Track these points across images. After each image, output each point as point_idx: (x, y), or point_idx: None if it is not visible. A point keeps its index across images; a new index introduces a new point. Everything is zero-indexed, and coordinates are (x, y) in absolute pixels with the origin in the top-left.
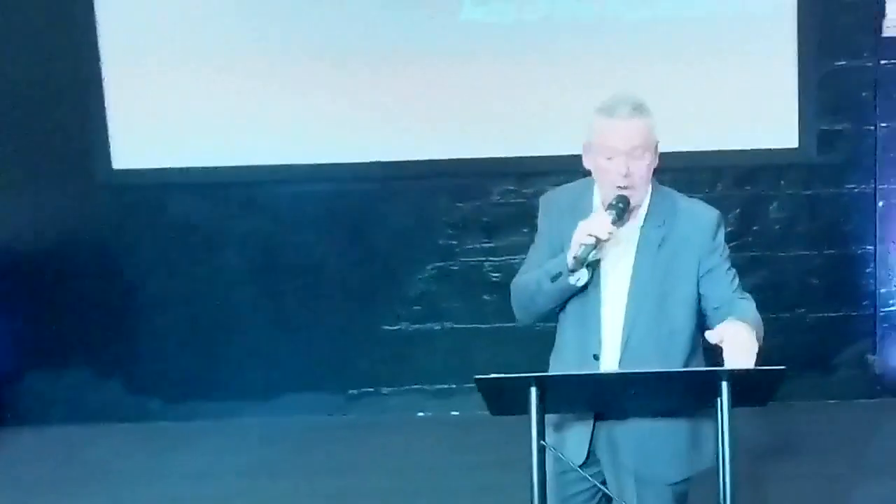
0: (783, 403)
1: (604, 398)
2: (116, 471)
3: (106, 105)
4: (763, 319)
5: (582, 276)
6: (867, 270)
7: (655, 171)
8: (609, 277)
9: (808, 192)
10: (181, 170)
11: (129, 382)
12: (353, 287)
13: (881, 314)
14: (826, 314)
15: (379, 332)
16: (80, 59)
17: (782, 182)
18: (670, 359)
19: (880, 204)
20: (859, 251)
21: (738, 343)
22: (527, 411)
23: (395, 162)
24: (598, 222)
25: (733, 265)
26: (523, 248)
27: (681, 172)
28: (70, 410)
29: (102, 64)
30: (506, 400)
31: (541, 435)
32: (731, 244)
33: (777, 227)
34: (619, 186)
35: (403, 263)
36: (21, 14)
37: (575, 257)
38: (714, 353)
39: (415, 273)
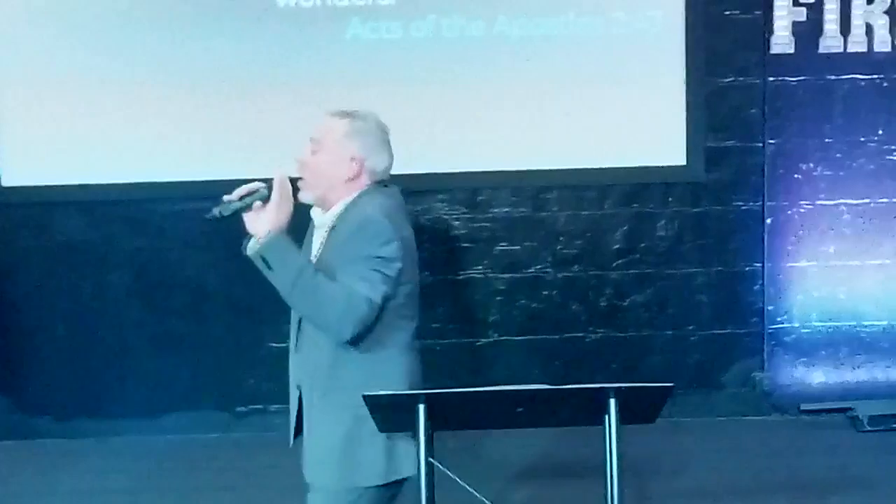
0: (671, 421)
1: (492, 414)
2: (1, 490)
3: None
4: (651, 336)
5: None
6: (755, 288)
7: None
8: None
9: (696, 210)
10: (66, 187)
11: (15, 400)
12: (239, 304)
13: (769, 331)
14: (714, 331)
15: (265, 349)
16: None
17: (670, 199)
18: (318, 351)
19: (768, 221)
20: (747, 268)
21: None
22: (415, 428)
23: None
24: (240, 189)
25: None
26: None
27: (568, 189)
28: None
29: None
30: (394, 417)
31: (429, 452)
32: (619, 261)
33: (664, 244)
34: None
35: None
36: None
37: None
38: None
39: None
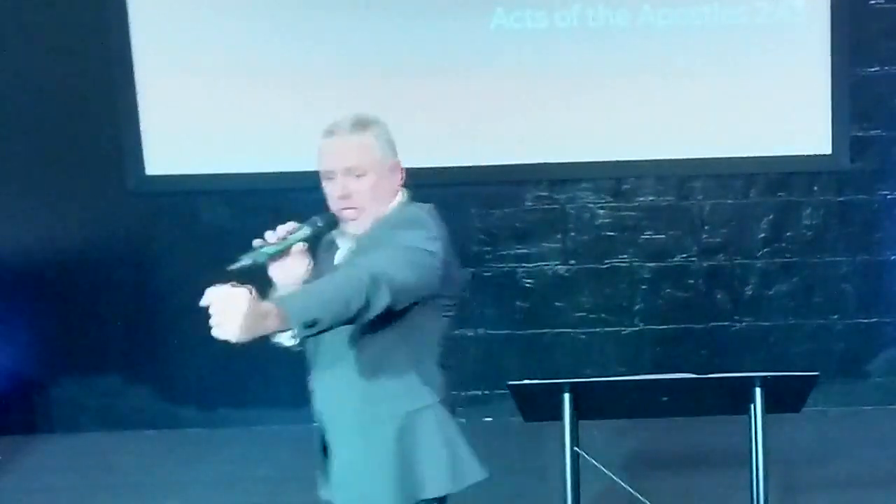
0: (816, 410)
1: (637, 403)
2: (146, 478)
3: (139, 111)
4: (795, 325)
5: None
6: None
7: (410, 187)
8: None
9: (841, 199)
10: (212, 176)
11: (160, 390)
12: None
13: None
14: (859, 320)
15: None
16: (112, 66)
17: (815, 188)
18: (347, 369)
19: None
20: (892, 257)
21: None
22: (560, 417)
23: (426, 168)
24: (281, 229)
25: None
26: (557, 255)
27: (714, 179)
28: (100, 417)
29: (135, 70)
30: (539, 406)
31: (574, 441)
32: (764, 250)
33: (810, 233)
34: (342, 209)
35: None
36: (54, 20)
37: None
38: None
39: None
